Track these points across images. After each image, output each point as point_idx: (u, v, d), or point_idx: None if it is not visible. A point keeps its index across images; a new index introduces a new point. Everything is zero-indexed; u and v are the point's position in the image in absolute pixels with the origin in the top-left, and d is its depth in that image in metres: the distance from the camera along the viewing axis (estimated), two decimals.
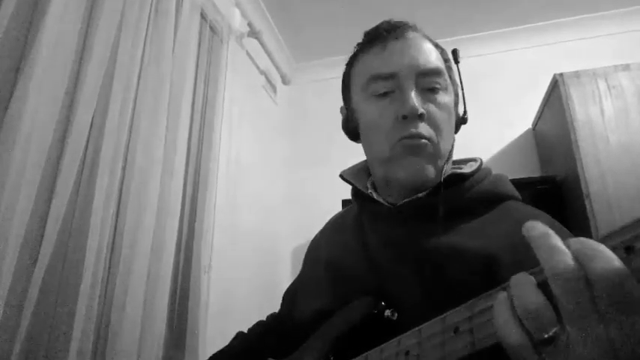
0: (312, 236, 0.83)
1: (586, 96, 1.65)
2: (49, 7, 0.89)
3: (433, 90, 0.61)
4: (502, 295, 0.33)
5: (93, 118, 1.01)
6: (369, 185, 0.70)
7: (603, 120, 1.60)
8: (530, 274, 0.32)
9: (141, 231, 1.10)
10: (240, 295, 1.72)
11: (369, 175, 0.72)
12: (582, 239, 0.29)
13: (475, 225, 0.57)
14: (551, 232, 0.31)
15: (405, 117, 0.58)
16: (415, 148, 0.59)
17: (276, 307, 0.86)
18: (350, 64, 0.71)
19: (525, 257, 0.35)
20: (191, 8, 1.45)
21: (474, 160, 0.67)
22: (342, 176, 0.72)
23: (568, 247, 0.30)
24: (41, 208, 0.89)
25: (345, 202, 1.86)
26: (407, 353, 0.41)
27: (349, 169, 0.74)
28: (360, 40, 0.69)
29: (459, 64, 0.68)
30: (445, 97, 0.62)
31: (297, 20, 2.25)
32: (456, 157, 0.66)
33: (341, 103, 0.76)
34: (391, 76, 0.61)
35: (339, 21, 2.23)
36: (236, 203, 1.71)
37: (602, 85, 1.65)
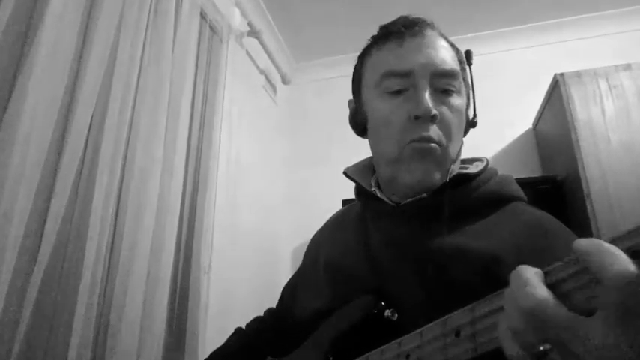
0: (312, 236, 0.83)
1: (587, 96, 1.64)
2: (48, 7, 0.89)
3: (447, 92, 0.61)
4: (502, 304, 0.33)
5: (92, 117, 1.01)
6: (373, 183, 0.70)
7: (604, 120, 1.59)
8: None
9: (140, 231, 1.09)
10: (240, 296, 1.72)
11: (374, 172, 0.72)
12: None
13: (480, 226, 0.57)
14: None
15: (417, 117, 0.58)
16: (424, 152, 0.58)
17: None
18: (362, 56, 0.69)
19: (529, 259, 0.35)
20: (191, 8, 1.45)
21: (479, 160, 0.66)
22: (346, 173, 0.71)
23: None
24: (40, 207, 0.89)
25: (345, 202, 1.85)
26: (407, 356, 0.41)
27: (353, 166, 0.73)
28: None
29: (471, 66, 0.67)
30: (458, 100, 0.61)
31: (297, 20, 2.25)
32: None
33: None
34: (406, 74, 0.60)
35: (339, 21, 2.22)
36: (236, 203, 1.71)
37: (603, 84, 1.65)
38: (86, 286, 0.92)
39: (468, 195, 0.60)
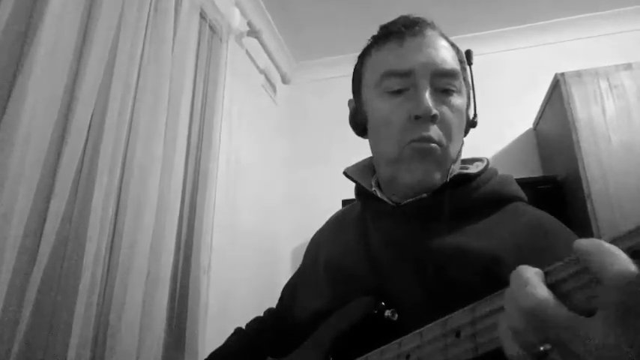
0: (312, 236, 0.83)
1: (587, 95, 1.64)
2: (48, 7, 0.89)
3: (447, 92, 0.61)
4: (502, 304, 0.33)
5: (92, 117, 1.01)
6: (373, 183, 0.70)
7: (605, 120, 1.59)
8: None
9: (140, 230, 1.09)
10: (240, 296, 1.72)
11: (374, 172, 0.72)
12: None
13: (480, 226, 0.57)
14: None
15: (417, 117, 0.58)
16: (424, 152, 0.58)
17: None
18: (362, 56, 0.69)
19: (530, 259, 0.35)
20: (190, 7, 1.44)
21: (480, 160, 0.66)
22: (346, 173, 0.71)
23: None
24: (40, 207, 0.89)
25: (345, 202, 1.85)
26: (408, 356, 0.41)
27: (353, 166, 0.73)
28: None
29: (472, 66, 0.67)
30: (458, 100, 0.61)
31: (297, 20, 2.24)
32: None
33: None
34: (406, 74, 0.60)
35: (339, 21, 2.22)
36: (236, 203, 1.71)
37: (603, 84, 1.64)
38: (85, 286, 0.92)
39: (468, 195, 0.59)
